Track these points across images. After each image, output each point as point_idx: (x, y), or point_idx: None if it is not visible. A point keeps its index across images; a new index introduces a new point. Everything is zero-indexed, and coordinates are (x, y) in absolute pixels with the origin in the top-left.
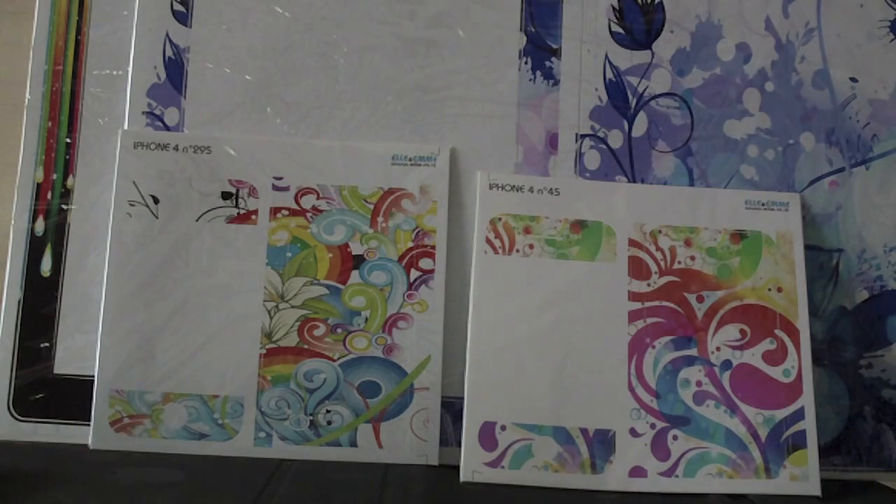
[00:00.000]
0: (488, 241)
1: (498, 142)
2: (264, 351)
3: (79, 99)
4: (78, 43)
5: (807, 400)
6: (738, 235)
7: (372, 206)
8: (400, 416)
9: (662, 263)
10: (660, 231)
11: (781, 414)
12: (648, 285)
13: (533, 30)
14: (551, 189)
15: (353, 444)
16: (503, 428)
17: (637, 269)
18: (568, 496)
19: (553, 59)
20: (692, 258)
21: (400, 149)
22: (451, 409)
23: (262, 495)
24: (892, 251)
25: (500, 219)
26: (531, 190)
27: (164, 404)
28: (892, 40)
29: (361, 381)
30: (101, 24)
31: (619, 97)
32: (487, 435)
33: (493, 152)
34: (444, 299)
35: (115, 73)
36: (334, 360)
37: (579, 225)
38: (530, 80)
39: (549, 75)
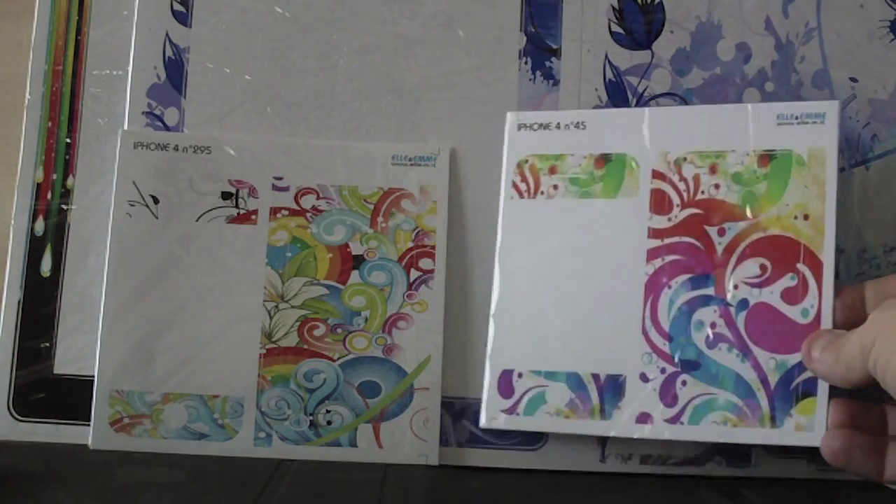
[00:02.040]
0: (514, 185)
1: (498, 142)
2: (264, 351)
3: (79, 99)
4: (78, 43)
5: None
6: (767, 157)
7: (372, 207)
8: (400, 417)
9: (685, 195)
10: (685, 159)
11: (795, 359)
12: (669, 220)
13: (533, 30)
14: (578, 123)
15: (353, 444)
16: (520, 375)
17: (659, 202)
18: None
19: (553, 59)
20: (716, 186)
21: (400, 149)
22: (451, 410)
23: (262, 495)
24: (892, 251)
25: (526, 161)
26: (558, 126)
27: (163, 404)
28: (893, 40)
29: (361, 381)
30: (101, 24)
31: (619, 97)
32: (506, 382)
33: (493, 152)
34: (444, 299)
35: (114, 73)
36: (334, 361)
37: (603, 159)
38: (530, 80)
39: (549, 75)
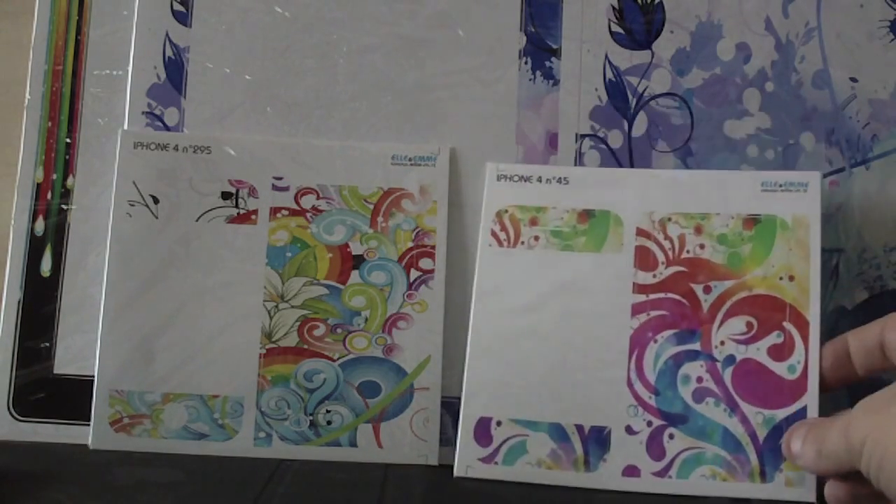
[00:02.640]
0: (493, 234)
1: (498, 142)
2: (264, 351)
3: (79, 99)
4: (78, 43)
5: (810, 399)
6: (752, 220)
7: (372, 206)
8: (400, 417)
9: (670, 253)
10: (669, 219)
11: (782, 414)
12: (654, 276)
13: (533, 30)
14: (560, 178)
15: (353, 444)
16: (499, 423)
17: (644, 259)
18: (565, 494)
19: (553, 59)
20: (702, 246)
21: (400, 149)
22: (451, 410)
23: (262, 495)
24: (893, 251)
25: (506, 211)
26: (539, 179)
27: (163, 404)
28: (893, 40)
29: (361, 381)
30: (101, 24)
31: (619, 97)
32: (483, 430)
33: (492, 152)
34: (444, 299)
35: (114, 73)
36: (334, 360)
37: (586, 215)
38: (530, 80)
39: (549, 75)
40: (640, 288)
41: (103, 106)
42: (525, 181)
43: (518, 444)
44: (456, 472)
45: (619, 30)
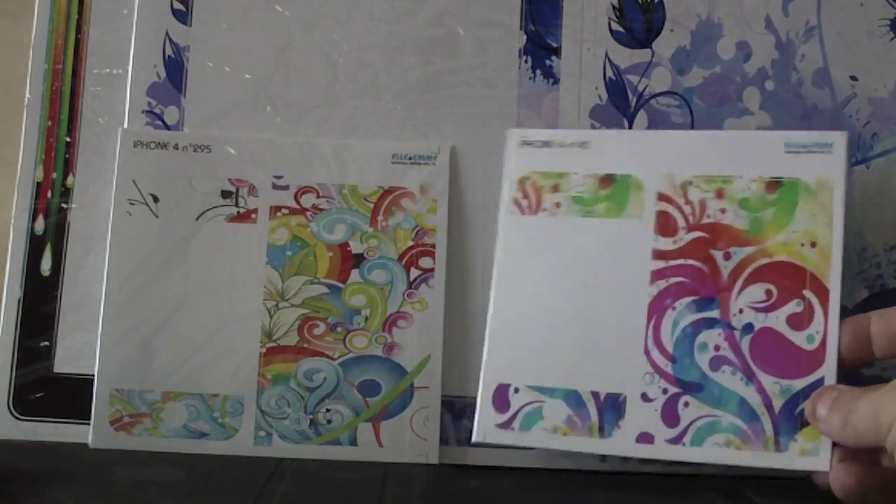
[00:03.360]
0: (516, 201)
1: (498, 141)
2: (264, 350)
3: (79, 98)
4: (78, 42)
5: (828, 370)
6: (775, 183)
7: (372, 205)
8: (400, 415)
9: (691, 218)
10: (690, 182)
11: (800, 384)
12: (674, 242)
13: (533, 28)
14: (581, 142)
15: (353, 442)
16: (516, 390)
17: (664, 224)
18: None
19: (553, 57)
20: (723, 211)
21: (400, 147)
22: (452, 409)
23: (262, 494)
24: (893, 250)
25: (528, 178)
26: (560, 145)
27: (163, 403)
28: (893, 39)
29: (361, 379)
30: (101, 22)
31: (620, 96)
32: (501, 397)
33: (493, 151)
34: (444, 298)
35: (114, 71)
36: (334, 359)
37: (608, 179)
38: (530, 78)
39: (549, 74)
40: (659, 254)
41: (103, 105)
42: (546, 146)
43: (534, 411)
44: (474, 438)
45: (620, 28)
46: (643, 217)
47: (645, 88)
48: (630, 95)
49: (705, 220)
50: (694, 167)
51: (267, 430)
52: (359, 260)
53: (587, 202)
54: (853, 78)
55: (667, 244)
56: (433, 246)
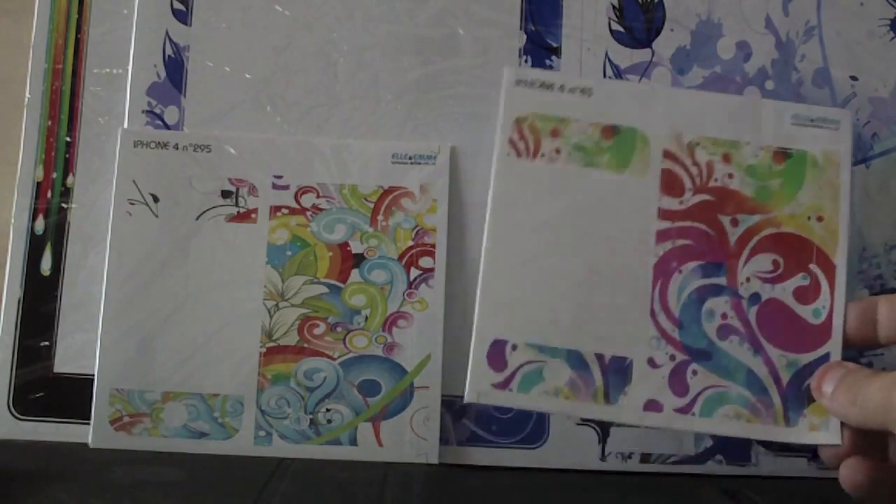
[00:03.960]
0: (511, 142)
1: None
2: (264, 350)
3: (79, 97)
4: (78, 41)
5: (834, 346)
6: (782, 154)
7: (372, 205)
8: (400, 415)
9: (698, 180)
10: (697, 143)
11: (806, 358)
12: (681, 203)
13: (533, 28)
14: (583, 89)
15: (353, 442)
16: (514, 347)
17: (670, 184)
18: (563, 491)
19: (553, 57)
20: (730, 176)
21: (400, 147)
22: (452, 408)
23: (262, 494)
24: (893, 249)
25: (526, 118)
26: (561, 88)
27: (163, 403)
28: (893, 38)
29: (361, 379)
30: (101, 22)
31: None
32: (497, 354)
33: (493, 151)
34: (444, 298)
35: (114, 71)
36: (334, 359)
37: (612, 130)
38: None
39: None
40: (665, 214)
41: (103, 104)
42: (547, 89)
43: (534, 371)
44: (466, 398)
45: (620, 28)
46: (648, 173)
47: None
48: None
49: (713, 184)
50: (700, 127)
51: (267, 429)
52: (359, 260)
53: (589, 151)
54: (853, 78)
55: (672, 204)
56: (433, 246)
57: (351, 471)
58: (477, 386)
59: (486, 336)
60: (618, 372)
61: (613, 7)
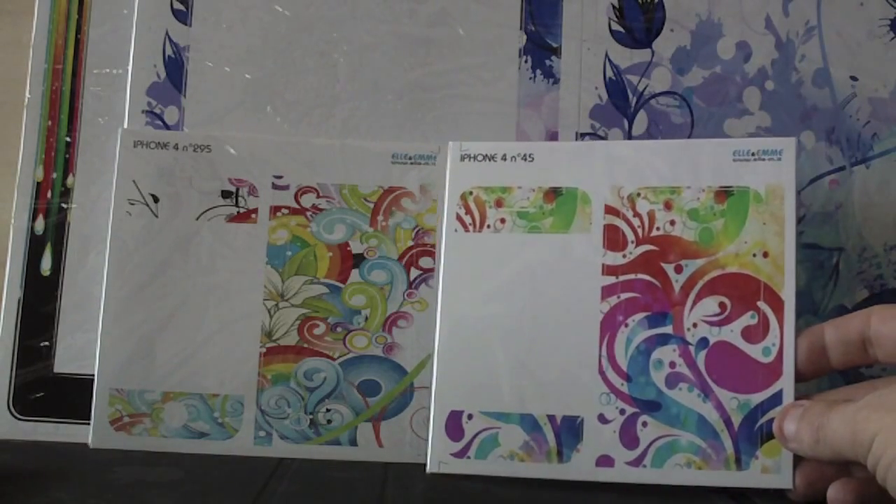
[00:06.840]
0: (458, 218)
1: (498, 140)
2: (264, 350)
3: (79, 98)
4: (78, 42)
5: (786, 382)
6: (724, 193)
7: (372, 205)
8: (400, 415)
9: (640, 231)
10: (638, 194)
11: (758, 398)
12: (624, 256)
13: (533, 28)
14: (525, 155)
15: (353, 442)
16: (470, 417)
17: (613, 238)
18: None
19: (553, 57)
20: (672, 223)
21: (400, 147)
22: None
23: (262, 494)
24: (893, 250)
25: (471, 193)
26: (504, 158)
27: (163, 403)
28: (893, 39)
29: (361, 379)
30: (101, 22)
31: (620, 96)
32: (454, 424)
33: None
34: None
35: (114, 71)
36: (334, 359)
37: (553, 193)
38: (530, 78)
39: (549, 74)
40: (609, 269)
41: (103, 105)
42: (489, 160)
43: (490, 437)
44: (429, 469)
45: (620, 28)
46: (591, 231)
47: (645, 88)
48: (630, 95)
49: (655, 233)
50: (640, 179)
51: (267, 430)
52: (359, 260)
53: (532, 217)
54: (853, 78)
55: (616, 259)
56: (433, 246)
57: (351, 471)
58: (438, 456)
59: (443, 407)
60: (569, 430)
61: (613, 7)
